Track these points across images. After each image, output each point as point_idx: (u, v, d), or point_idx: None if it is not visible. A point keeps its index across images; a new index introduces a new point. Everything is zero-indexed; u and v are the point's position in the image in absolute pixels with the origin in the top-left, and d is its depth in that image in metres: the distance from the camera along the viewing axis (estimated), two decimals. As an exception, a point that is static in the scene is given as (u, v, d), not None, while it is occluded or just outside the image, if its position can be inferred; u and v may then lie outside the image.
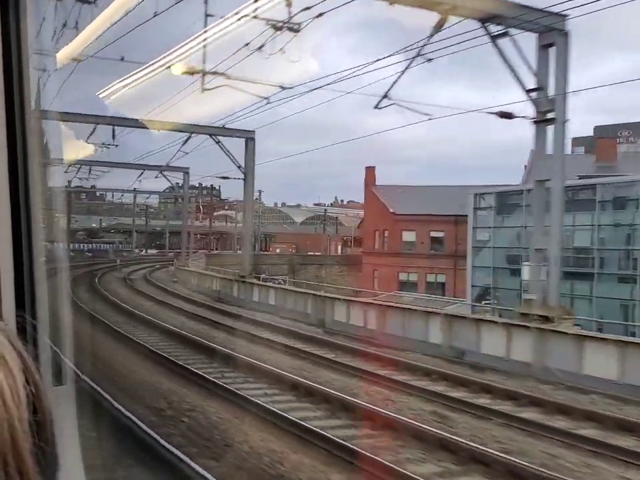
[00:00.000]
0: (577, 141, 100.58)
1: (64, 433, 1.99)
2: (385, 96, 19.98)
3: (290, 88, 21.81)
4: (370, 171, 59.81)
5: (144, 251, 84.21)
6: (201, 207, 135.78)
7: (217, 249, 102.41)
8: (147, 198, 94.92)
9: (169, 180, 55.24)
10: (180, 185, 66.13)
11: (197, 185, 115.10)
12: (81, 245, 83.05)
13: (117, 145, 37.22)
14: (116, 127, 35.41)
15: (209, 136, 35.11)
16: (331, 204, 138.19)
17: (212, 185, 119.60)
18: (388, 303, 27.76)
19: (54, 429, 0.83)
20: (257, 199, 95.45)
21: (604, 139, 55.66)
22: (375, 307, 25.81)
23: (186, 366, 15.80)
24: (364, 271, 62.90)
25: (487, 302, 36.98)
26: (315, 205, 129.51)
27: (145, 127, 32.30)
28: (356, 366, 16.97)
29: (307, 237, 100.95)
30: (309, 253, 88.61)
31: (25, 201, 2.00)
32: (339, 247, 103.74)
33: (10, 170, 1.98)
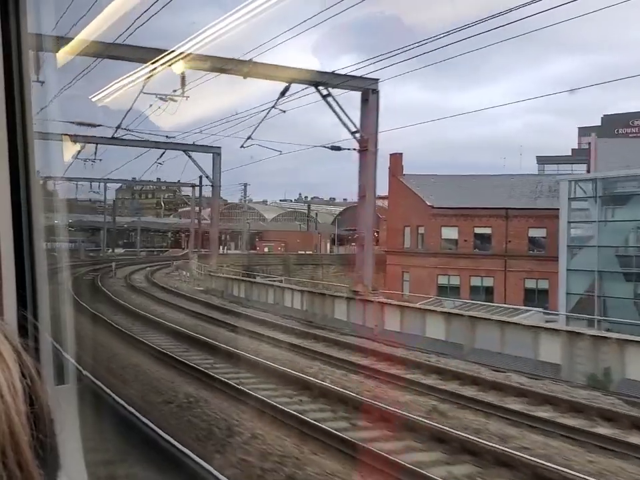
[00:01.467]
0: (583, 131, 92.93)
1: (66, 432, 1.86)
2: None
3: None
4: (396, 158, 50.34)
5: (110, 250, 73.74)
6: (162, 204, 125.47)
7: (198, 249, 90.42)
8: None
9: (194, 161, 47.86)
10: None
11: (157, 180, 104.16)
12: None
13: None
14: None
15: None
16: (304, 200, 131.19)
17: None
18: (469, 313, 24.51)
19: (52, 421, 0.85)
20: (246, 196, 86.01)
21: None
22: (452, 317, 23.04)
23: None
24: (389, 273, 55.84)
25: (583, 312, 32.24)
26: (295, 200, 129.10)
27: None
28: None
29: (297, 235, 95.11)
30: (299, 252, 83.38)
31: (26, 201, 2.05)
32: (328, 245, 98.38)
33: (11, 171, 2.03)
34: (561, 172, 58.04)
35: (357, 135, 25.75)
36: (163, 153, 39.77)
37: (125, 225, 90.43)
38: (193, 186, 59.18)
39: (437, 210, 49.05)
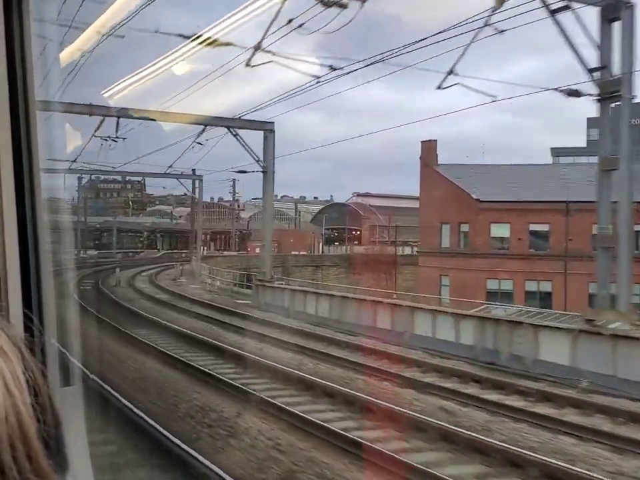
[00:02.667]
0: (591, 122, 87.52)
1: (72, 434, 1.95)
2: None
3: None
4: (429, 145, 42.72)
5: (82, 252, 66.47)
6: (130, 203, 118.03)
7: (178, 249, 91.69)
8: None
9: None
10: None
11: (121, 180, 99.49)
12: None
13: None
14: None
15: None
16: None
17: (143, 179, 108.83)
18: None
19: (57, 413, 0.86)
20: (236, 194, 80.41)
21: None
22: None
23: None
24: (422, 275, 50.88)
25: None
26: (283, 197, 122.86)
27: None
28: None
29: (290, 235, 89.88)
30: (293, 252, 76.93)
31: (30, 201, 2.05)
32: (320, 245, 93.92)
33: (15, 171, 2.02)
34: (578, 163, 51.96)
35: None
36: (203, 130, 33.39)
37: (97, 225, 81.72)
38: (194, 179, 50.56)
39: (485, 204, 41.92)
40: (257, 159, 33.84)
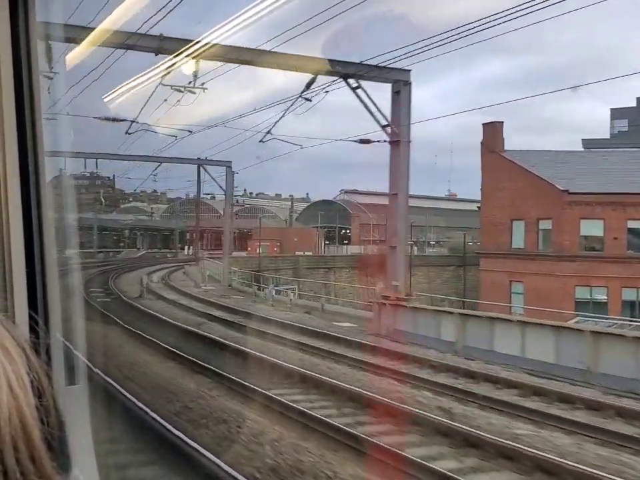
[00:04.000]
0: (617, 113, 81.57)
1: (77, 433, 2.09)
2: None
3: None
4: (494, 128, 34.52)
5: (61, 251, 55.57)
6: (102, 199, 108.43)
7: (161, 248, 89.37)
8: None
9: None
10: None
11: (89, 174, 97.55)
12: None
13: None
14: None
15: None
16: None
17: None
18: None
19: (61, 414, 0.87)
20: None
21: None
22: None
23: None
24: (485, 281, 43.26)
25: None
26: (241, 196, 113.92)
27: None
28: None
29: (294, 233, 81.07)
30: (297, 253, 69.50)
31: (36, 201, 2.06)
32: (322, 245, 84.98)
33: (21, 170, 2.03)
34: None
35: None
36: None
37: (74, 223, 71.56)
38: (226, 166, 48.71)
39: (575, 196, 34.14)
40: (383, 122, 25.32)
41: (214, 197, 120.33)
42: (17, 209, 1.94)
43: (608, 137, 76.12)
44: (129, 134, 29.26)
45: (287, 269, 61.07)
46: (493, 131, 44.03)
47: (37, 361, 0.84)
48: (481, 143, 44.48)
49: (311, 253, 73.50)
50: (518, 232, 41.48)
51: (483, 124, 43.95)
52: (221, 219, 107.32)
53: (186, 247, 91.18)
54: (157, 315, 27.71)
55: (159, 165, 47.14)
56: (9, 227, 1.95)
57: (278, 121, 26.29)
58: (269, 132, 26.91)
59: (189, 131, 31.33)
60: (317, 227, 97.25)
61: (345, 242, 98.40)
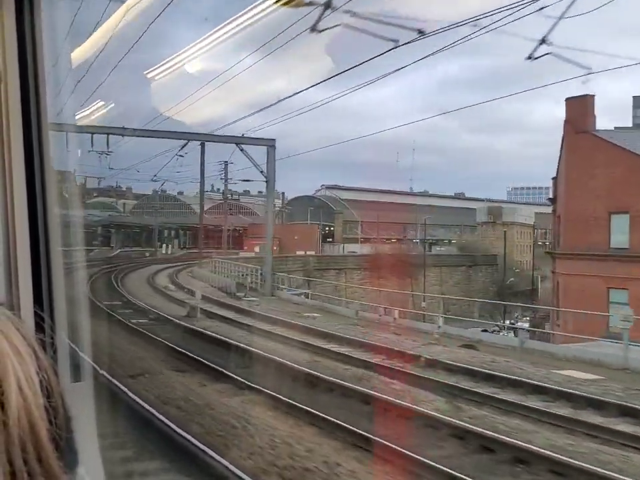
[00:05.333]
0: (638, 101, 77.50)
1: (82, 429, 2.08)
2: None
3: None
4: (583, 103, 25.92)
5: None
6: (65, 194, 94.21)
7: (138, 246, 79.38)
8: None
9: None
10: None
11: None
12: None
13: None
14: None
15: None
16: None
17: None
18: None
19: (69, 414, 0.86)
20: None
21: None
22: None
23: None
24: (570, 287, 35.11)
25: None
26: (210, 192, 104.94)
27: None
28: None
29: (294, 230, 71.37)
30: (298, 253, 62.67)
31: (42, 200, 2.08)
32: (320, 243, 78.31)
33: (27, 169, 2.07)
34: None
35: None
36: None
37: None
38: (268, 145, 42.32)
39: None
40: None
41: (182, 192, 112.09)
42: (22, 210, 1.96)
43: (630, 125, 71.70)
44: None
45: (298, 270, 55.38)
46: (581, 107, 36.62)
47: (46, 359, 0.83)
48: (565, 122, 37.53)
49: (313, 253, 67.25)
50: (619, 228, 33.94)
51: (567, 99, 37.24)
52: (197, 217, 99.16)
53: (164, 245, 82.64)
54: (259, 352, 18.35)
55: (186, 143, 42.45)
56: (14, 225, 1.97)
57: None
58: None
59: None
60: (319, 224, 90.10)
61: (328, 240, 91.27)
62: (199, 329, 23.52)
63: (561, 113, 37.36)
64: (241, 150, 39.48)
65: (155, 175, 55.03)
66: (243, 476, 8.98)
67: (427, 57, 21.01)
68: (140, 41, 19.95)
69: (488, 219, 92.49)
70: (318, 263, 59.77)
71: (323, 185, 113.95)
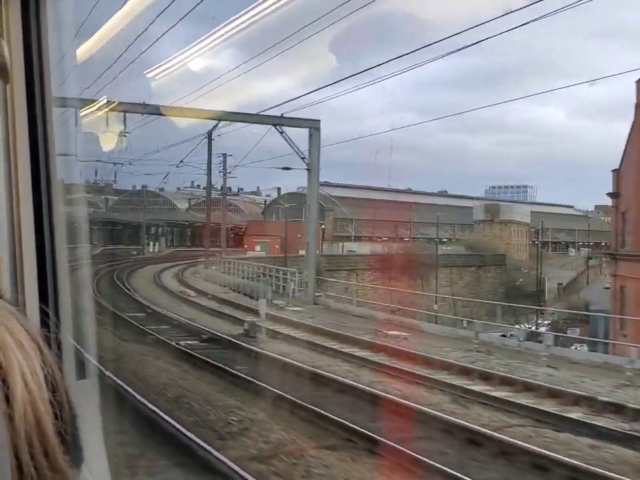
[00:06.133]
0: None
1: (87, 427, 1.91)
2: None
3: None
4: None
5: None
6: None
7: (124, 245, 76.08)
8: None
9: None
10: None
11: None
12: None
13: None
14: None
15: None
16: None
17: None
18: None
19: (74, 409, 0.88)
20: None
21: None
22: None
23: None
24: (634, 292, 31.52)
25: None
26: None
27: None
28: None
29: (297, 228, 64.13)
30: (301, 252, 56.61)
31: (47, 198, 2.08)
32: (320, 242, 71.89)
33: (32, 168, 2.07)
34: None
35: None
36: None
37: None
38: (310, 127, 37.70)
39: None
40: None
41: (162, 189, 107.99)
42: (27, 204, 1.96)
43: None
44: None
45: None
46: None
47: (51, 355, 0.84)
48: (636, 106, 33.45)
49: (318, 252, 60.16)
50: None
51: (639, 81, 33.32)
52: (178, 213, 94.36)
53: (151, 243, 78.16)
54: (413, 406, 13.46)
55: (217, 124, 40.97)
56: (19, 222, 1.98)
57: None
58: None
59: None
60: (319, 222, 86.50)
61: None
62: (284, 359, 17.81)
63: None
64: (281, 133, 34.01)
65: (181, 161, 51.20)
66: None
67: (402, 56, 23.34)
68: (146, 36, 20.65)
69: (485, 217, 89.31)
70: (328, 263, 56.48)
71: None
